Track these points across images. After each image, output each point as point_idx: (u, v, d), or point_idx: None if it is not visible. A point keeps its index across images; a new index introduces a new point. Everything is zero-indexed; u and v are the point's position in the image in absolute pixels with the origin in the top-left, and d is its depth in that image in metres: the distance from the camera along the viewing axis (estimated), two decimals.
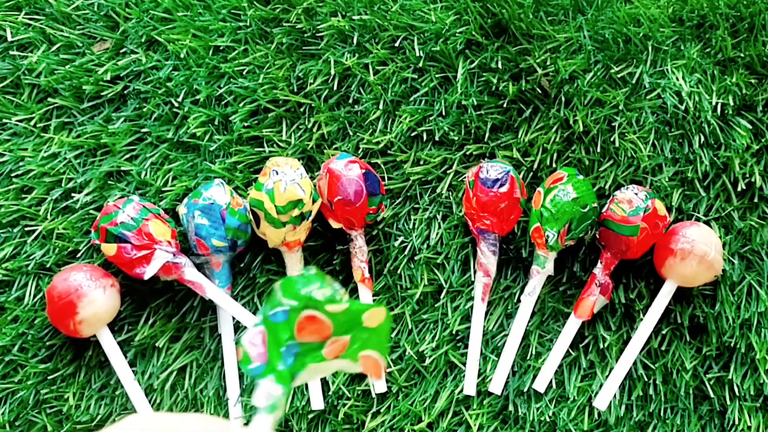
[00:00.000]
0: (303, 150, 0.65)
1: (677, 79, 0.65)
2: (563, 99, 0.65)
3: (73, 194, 0.64)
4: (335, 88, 0.66)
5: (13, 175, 0.65)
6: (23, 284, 0.63)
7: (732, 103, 0.64)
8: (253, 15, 0.67)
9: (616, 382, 0.60)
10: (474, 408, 0.61)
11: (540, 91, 0.66)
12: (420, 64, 0.66)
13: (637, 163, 0.64)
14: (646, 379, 0.61)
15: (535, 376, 0.61)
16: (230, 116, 0.66)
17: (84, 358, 0.62)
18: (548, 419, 0.61)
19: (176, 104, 0.66)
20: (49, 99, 0.66)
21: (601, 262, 0.61)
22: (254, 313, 0.62)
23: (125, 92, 0.67)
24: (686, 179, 0.64)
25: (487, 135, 0.65)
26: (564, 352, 0.61)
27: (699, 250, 0.58)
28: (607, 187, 0.63)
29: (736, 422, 0.60)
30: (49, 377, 0.62)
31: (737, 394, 0.60)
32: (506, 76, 0.66)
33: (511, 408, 0.61)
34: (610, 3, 0.68)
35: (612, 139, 0.64)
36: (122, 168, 0.65)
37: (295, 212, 0.59)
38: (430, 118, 0.65)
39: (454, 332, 0.62)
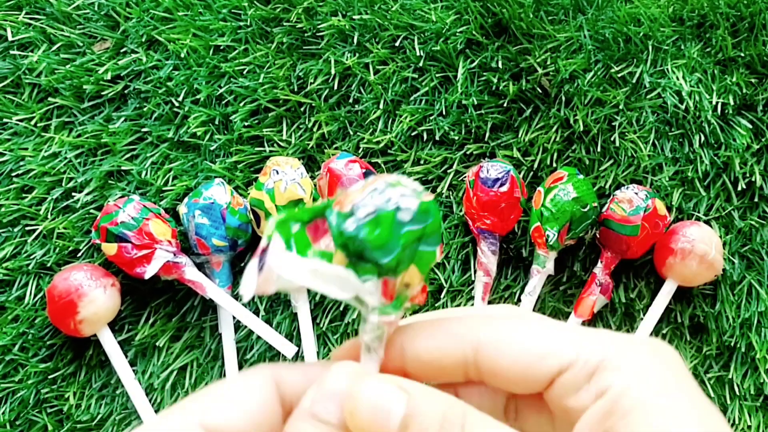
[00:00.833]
0: (303, 149, 0.65)
1: (677, 78, 0.65)
2: (563, 98, 0.65)
3: (73, 194, 0.64)
4: (335, 87, 0.66)
5: (13, 174, 0.65)
6: (24, 284, 0.63)
7: (732, 103, 0.64)
8: (253, 14, 0.67)
9: None
10: None
11: (540, 91, 0.66)
12: (420, 64, 0.66)
13: (638, 162, 0.64)
14: None
15: None
16: (231, 116, 0.66)
17: (84, 358, 0.62)
18: None
19: (177, 104, 0.66)
20: (50, 98, 0.66)
21: (601, 262, 0.61)
22: (255, 313, 0.62)
23: (126, 92, 0.67)
24: (686, 179, 0.64)
25: (487, 134, 0.65)
26: None
27: (699, 250, 0.58)
28: (607, 186, 0.63)
29: (737, 421, 0.60)
30: (49, 377, 0.62)
31: (737, 393, 0.60)
32: (506, 76, 0.66)
33: None
34: (611, 3, 0.68)
35: (612, 139, 0.64)
36: (123, 167, 0.65)
37: None
38: (431, 118, 0.66)
39: None
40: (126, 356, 0.61)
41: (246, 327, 0.62)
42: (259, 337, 0.62)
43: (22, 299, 0.63)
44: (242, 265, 0.64)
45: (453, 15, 0.67)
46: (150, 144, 0.66)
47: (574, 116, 0.64)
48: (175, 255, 0.59)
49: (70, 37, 0.68)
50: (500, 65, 0.66)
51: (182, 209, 0.61)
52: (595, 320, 0.62)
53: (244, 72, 0.67)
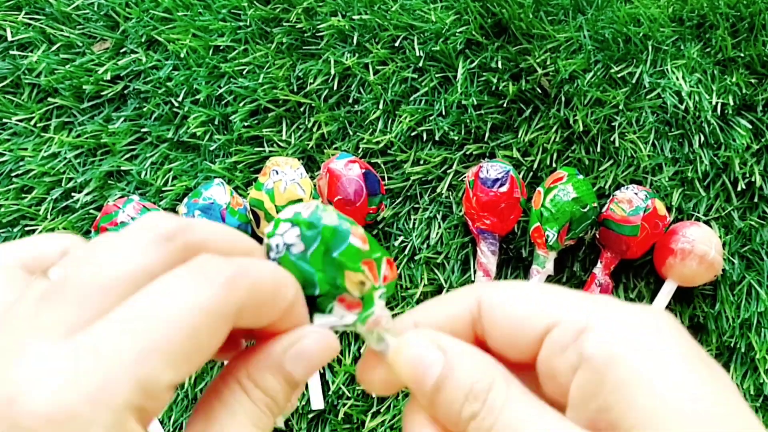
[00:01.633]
0: (303, 150, 0.65)
1: (677, 78, 0.65)
2: (563, 99, 0.65)
3: (73, 194, 0.64)
4: (335, 87, 0.66)
5: (13, 174, 0.65)
6: None
7: (732, 103, 0.64)
8: (253, 15, 0.67)
9: None
10: None
11: (540, 91, 0.66)
12: (420, 64, 0.66)
13: (637, 162, 0.64)
14: None
15: None
16: (230, 116, 0.66)
17: None
18: None
19: (176, 104, 0.66)
20: (49, 99, 0.66)
21: (601, 262, 0.61)
22: None
23: (125, 92, 0.67)
24: (686, 179, 0.64)
25: (487, 135, 0.65)
26: None
27: (699, 250, 0.58)
28: (607, 186, 0.63)
29: None
30: None
31: None
32: (506, 76, 0.66)
33: None
34: (610, 3, 0.68)
35: (612, 139, 0.64)
36: (122, 168, 0.65)
37: None
38: (430, 118, 0.65)
39: None
40: None
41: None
42: None
43: None
44: None
45: (453, 15, 0.67)
46: (150, 144, 0.66)
47: (574, 116, 0.64)
48: None
49: (69, 37, 0.68)
50: (500, 65, 0.66)
51: (182, 209, 0.61)
52: None
53: (244, 72, 0.67)
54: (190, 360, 0.18)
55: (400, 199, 0.65)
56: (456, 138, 0.65)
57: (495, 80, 0.65)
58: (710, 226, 0.63)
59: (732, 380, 0.59)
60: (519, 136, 0.65)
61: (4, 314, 0.18)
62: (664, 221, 0.60)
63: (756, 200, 0.63)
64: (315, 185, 0.62)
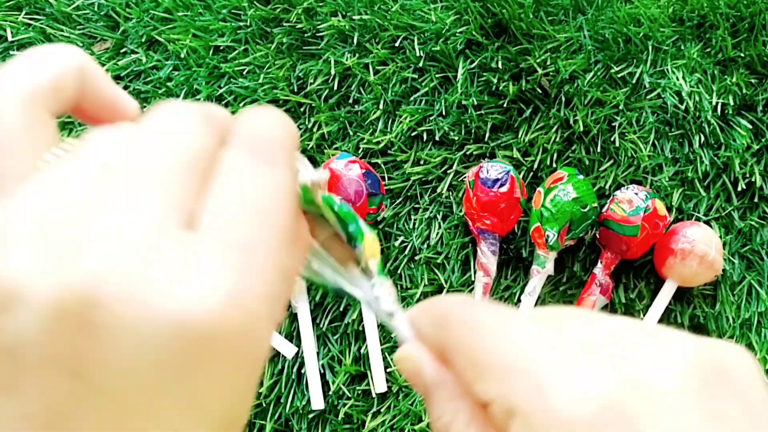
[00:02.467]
0: (303, 150, 0.65)
1: (677, 78, 0.65)
2: (563, 99, 0.65)
3: None
4: (335, 88, 0.66)
5: None
6: None
7: (732, 103, 0.64)
8: (253, 15, 0.67)
9: None
10: None
11: (540, 91, 0.66)
12: (420, 64, 0.66)
13: (637, 163, 0.64)
14: None
15: None
16: None
17: None
18: None
19: None
20: None
21: (601, 262, 0.61)
22: None
23: (125, 92, 0.67)
24: (686, 179, 0.64)
25: (487, 135, 0.65)
26: None
27: (699, 250, 0.58)
28: (607, 187, 0.63)
29: None
30: None
31: None
32: (506, 76, 0.66)
33: None
34: (610, 3, 0.68)
35: (612, 139, 0.64)
36: None
37: None
38: (431, 118, 0.65)
39: None
40: None
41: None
42: None
43: None
44: None
45: (453, 15, 0.67)
46: None
47: (574, 116, 0.64)
48: None
49: (70, 38, 0.68)
50: (500, 65, 0.66)
51: None
52: None
53: (244, 72, 0.67)
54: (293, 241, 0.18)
55: (400, 200, 0.65)
56: (456, 138, 0.65)
57: (495, 80, 0.65)
58: (710, 226, 0.63)
59: None
60: (519, 136, 0.65)
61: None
62: (665, 221, 0.60)
63: (756, 200, 0.63)
64: None
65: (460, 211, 0.64)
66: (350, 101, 0.66)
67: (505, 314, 0.19)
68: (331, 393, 0.61)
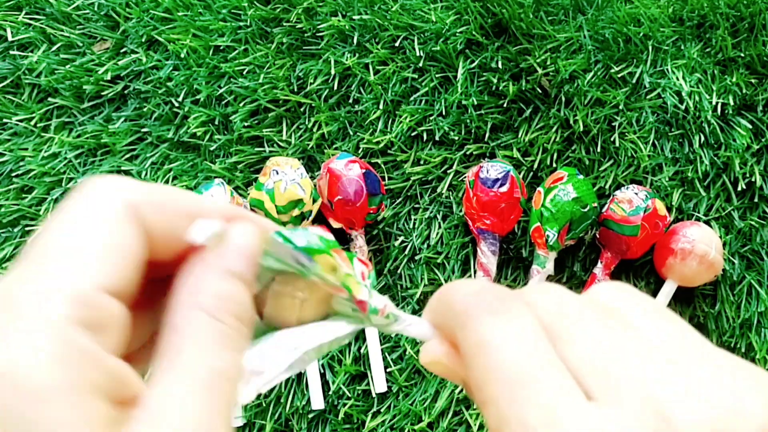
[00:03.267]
0: (303, 150, 0.65)
1: (677, 78, 0.65)
2: (563, 99, 0.65)
3: None
4: (335, 87, 0.66)
5: (13, 174, 0.65)
6: None
7: (732, 103, 0.64)
8: (253, 15, 0.67)
9: None
10: (474, 407, 0.61)
11: (540, 91, 0.66)
12: (420, 64, 0.66)
13: (637, 162, 0.64)
14: None
15: None
16: (230, 116, 0.66)
17: None
18: None
19: (176, 104, 0.66)
20: (50, 99, 0.66)
21: (601, 262, 0.61)
22: None
23: (125, 92, 0.67)
24: (686, 179, 0.64)
25: (487, 135, 0.65)
26: None
27: (699, 250, 0.58)
28: (607, 186, 0.63)
29: None
30: None
31: None
32: (506, 76, 0.66)
33: None
34: (610, 3, 0.68)
35: (612, 139, 0.64)
36: (122, 168, 0.65)
37: (296, 212, 0.59)
38: (430, 118, 0.66)
39: None
40: None
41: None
42: None
43: None
44: None
45: (453, 15, 0.67)
46: (150, 144, 0.66)
47: (574, 116, 0.64)
48: None
49: (70, 38, 0.68)
50: (500, 65, 0.66)
51: None
52: None
53: (244, 72, 0.67)
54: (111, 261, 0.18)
55: (400, 199, 0.65)
56: (456, 138, 0.65)
57: (495, 80, 0.65)
58: (710, 226, 0.63)
59: None
60: (519, 136, 0.65)
61: None
62: (665, 221, 0.60)
63: (756, 200, 0.63)
64: (315, 185, 0.62)
65: (460, 211, 0.64)
66: (350, 101, 0.66)
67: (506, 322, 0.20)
68: (331, 393, 0.61)
